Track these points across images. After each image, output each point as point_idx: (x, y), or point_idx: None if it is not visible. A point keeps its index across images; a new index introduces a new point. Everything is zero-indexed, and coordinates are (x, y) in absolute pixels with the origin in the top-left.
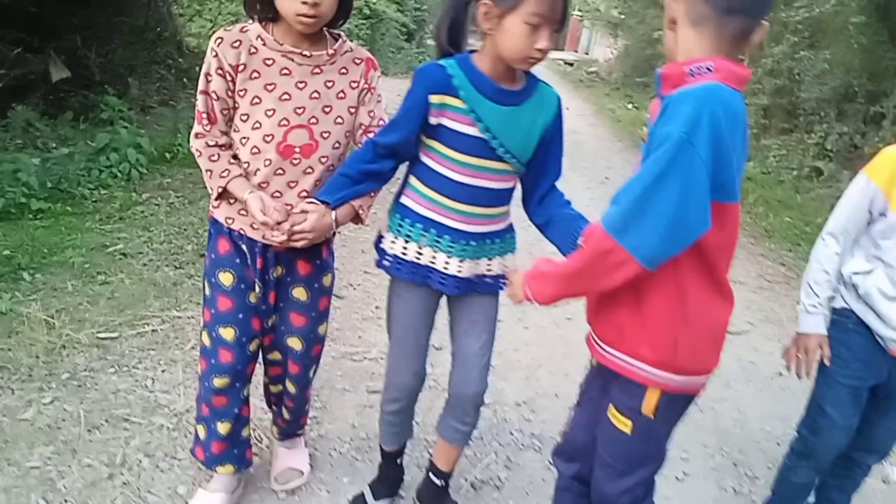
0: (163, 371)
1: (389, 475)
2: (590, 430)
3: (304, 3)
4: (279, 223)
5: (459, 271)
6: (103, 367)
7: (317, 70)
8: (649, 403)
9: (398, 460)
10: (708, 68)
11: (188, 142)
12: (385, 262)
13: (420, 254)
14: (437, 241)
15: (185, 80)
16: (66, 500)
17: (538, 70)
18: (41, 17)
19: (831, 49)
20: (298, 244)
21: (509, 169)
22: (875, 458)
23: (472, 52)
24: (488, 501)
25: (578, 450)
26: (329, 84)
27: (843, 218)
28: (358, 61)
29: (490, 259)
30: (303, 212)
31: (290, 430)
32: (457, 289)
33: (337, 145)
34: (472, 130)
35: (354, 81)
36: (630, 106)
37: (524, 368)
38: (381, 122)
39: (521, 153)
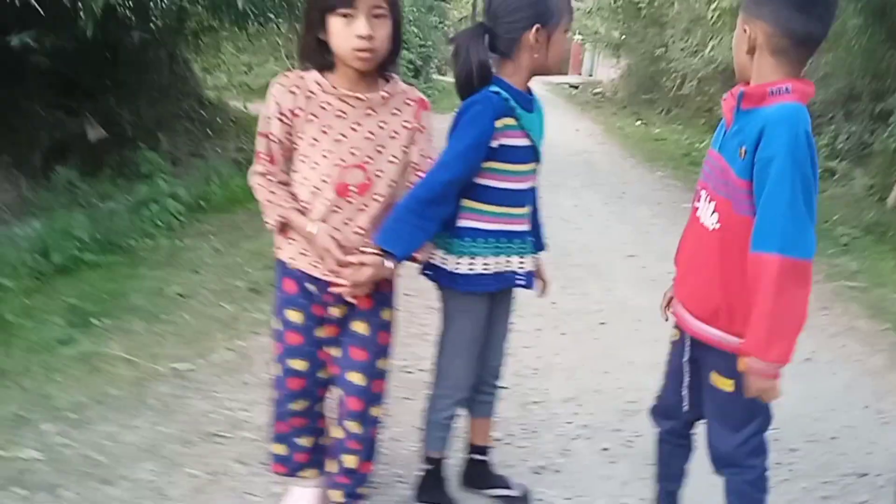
0: (239, 393)
1: (440, 485)
2: (678, 393)
3: (360, 37)
4: (342, 263)
5: (528, 266)
6: (185, 393)
7: (371, 112)
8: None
9: (443, 470)
10: (787, 89)
11: (220, 189)
12: (459, 283)
13: (487, 264)
14: (510, 247)
15: (208, 130)
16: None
17: (545, 93)
18: (77, 80)
19: (833, 52)
20: (346, 293)
21: (539, 165)
22: None
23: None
24: (549, 484)
25: (670, 410)
26: (382, 125)
27: None
28: (410, 102)
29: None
30: (361, 264)
31: (352, 487)
32: (531, 280)
33: (392, 183)
34: (525, 141)
35: (406, 121)
36: (638, 123)
37: (565, 370)
38: (430, 161)
39: (540, 149)
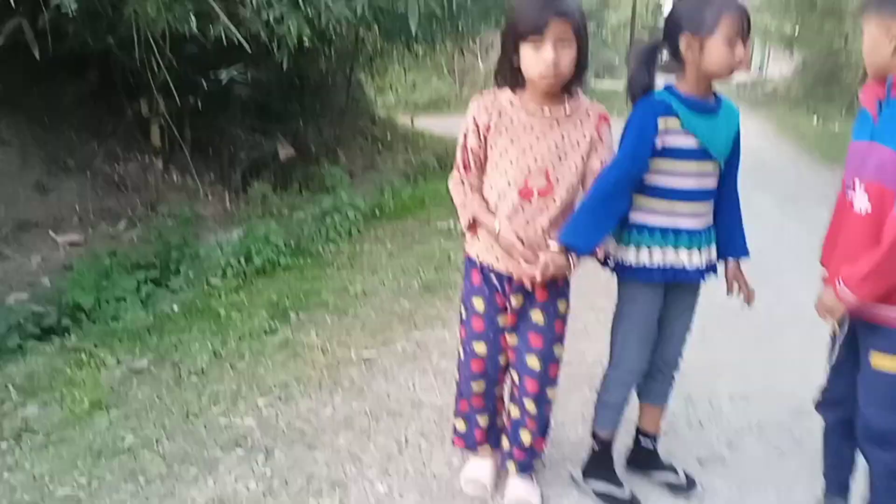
0: (418, 378)
1: (609, 461)
2: (844, 381)
3: (546, 61)
4: (526, 259)
5: (701, 262)
6: (373, 376)
7: (554, 124)
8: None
9: (611, 449)
10: None
11: (392, 198)
12: (630, 274)
13: (665, 257)
14: (677, 242)
15: (379, 145)
16: (370, 468)
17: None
18: (269, 106)
19: None
20: (528, 283)
21: (718, 168)
22: None
23: (667, 85)
24: (716, 474)
25: (838, 399)
26: (565, 136)
27: None
28: (591, 115)
29: (711, 247)
30: (546, 263)
31: (527, 461)
32: (700, 276)
33: (570, 188)
34: (690, 141)
35: (586, 133)
36: (816, 120)
37: (734, 368)
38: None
39: (722, 153)
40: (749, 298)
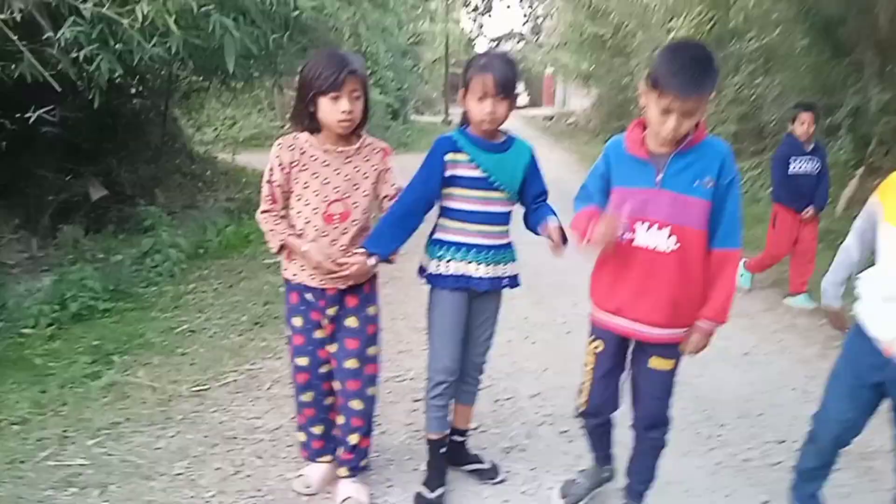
0: (251, 405)
1: (439, 465)
2: (607, 391)
3: (343, 112)
4: (334, 268)
5: (487, 273)
6: (206, 409)
7: (347, 160)
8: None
9: (441, 450)
10: None
11: (216, 236)
12: (432, 281)
13: (458, 268)
14: (468, 255)
15: (199, 184)
16: (208, 490)
17: (521, 127)
18: (78, 146)
19: (784, 73)
20: (342, 285)
21: (504, 196)
22: None
23: (466, 126)
24: (517, 460)
25: (601, 408)
26: (356, 169)
27: (855, 230)
28: (376, 150)
29: (505, 264)
30: (352, 263)
31: (354, 461)
32: (488, 286)
33: (365, 211)
34: (476, 172)
35: (374, 165)
36: None
37: (533, 372)
38: (399, 190)
39: (510, 184)
40: (557, 246)
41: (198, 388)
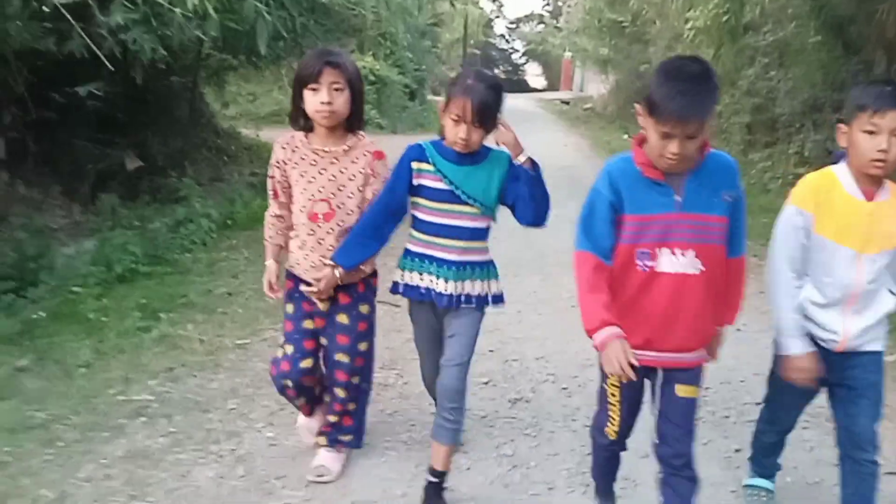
0: None
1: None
2: (631, 418)
3: (322, 103)
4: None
5: (447, 289)
6: (249, 358)
7: (334, 160)
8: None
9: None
10: None
11: (243, 209)
12: (399, 290)
13: (421, 279)
14: (431, 268)
15: (224, 157)
16: (258, 422)
17: (538, 109)
18: (115, 117)
19: (797, 67)
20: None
21: (475, 211)
22: (869, 452)
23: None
24: (522, 409)
25: (623, 434)
26: (343, 170)
27: (788, 248)
28: (367, 153)
29: (472, 282)
30: (316, 279)
31: (333, 435)
32: (448, 303)
33: (350, 212)
34: (441, 184)
35: (362, 168)
36: (626, 136)
37: (538, 339)
38: None
39: (482, 199)
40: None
41: (240, 342)
